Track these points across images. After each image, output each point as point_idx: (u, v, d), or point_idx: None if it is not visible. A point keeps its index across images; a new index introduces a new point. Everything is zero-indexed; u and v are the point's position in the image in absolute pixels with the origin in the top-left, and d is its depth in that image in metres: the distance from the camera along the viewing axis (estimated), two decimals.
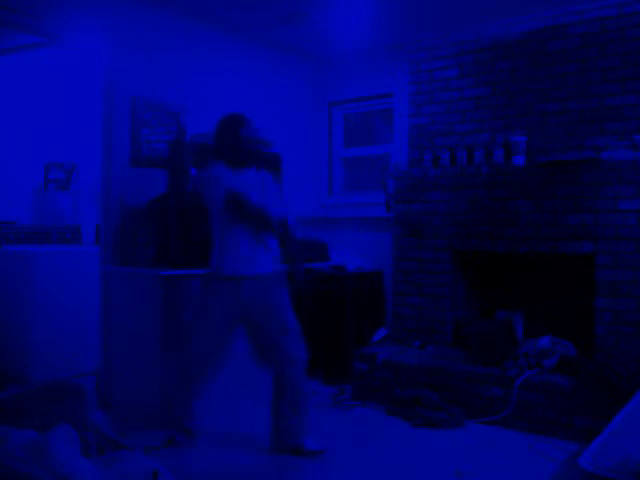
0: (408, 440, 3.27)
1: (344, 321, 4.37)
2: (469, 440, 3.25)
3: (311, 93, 5.22)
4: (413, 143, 4.50)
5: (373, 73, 4.92)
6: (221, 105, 4.36)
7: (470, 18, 4.10)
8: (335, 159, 5.32)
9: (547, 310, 3.97)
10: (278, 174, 3.67)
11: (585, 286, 3.61)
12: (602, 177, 3.51)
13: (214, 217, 3.01)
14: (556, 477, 2.74)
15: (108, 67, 3.75)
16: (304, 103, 5.15)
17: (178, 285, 3.44)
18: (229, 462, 2.98)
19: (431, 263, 4.19)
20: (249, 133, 3.04)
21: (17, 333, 4.17)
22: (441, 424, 3.39)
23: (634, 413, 2.21)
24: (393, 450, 3.13)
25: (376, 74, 4.89)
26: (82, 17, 3.57)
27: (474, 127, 4.22)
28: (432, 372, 3.70)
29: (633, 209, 3.41)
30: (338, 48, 4.72)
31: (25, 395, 2.17)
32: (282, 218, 3.02)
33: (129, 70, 3.80)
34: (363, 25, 4.17)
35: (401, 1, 3.84)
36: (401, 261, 4.33)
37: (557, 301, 3.90)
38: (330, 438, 3.27)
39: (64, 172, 5.34)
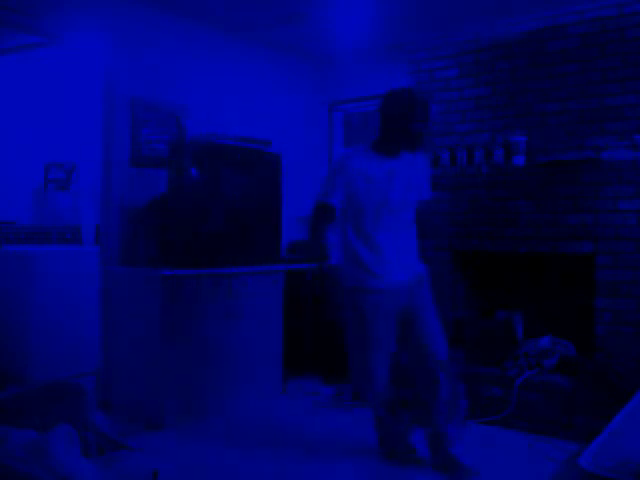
0: None
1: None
2: (469, 440, 3.24)
3: (311, 93, 5.21)
4: None
5: (373, 73, 4.91)
6: (221, 105, 4.37)
7: (470, 18, 4.10)
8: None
9: (547, 310, 3.96)
10: None
11: (585, 286, 3.61)
12: (602, 177, 3.50)
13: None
14: (556, 477, 2.73)
15: (108, 67, 3.75)
16: (304, 103, 5.15)
17: (178, 285, 3.44)
18: None
19: (431, 263, 4.18)
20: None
21: (17, 333, 4.16)
22: None
23: (634, 413, 2.21)
24: None
25: (376, 74, 4.89)
26: (82, 17, 3.57)
27: (474, 127, 4.22)
28: None
29: (633, 209, 3.41)
30: (338, 48, 4.71)
31: (25, 395, 2.17)
32: None
33: (129, 70, 3.80)
34: (363, 25, 4.16)
35: (401, 1, 3.84)
36: None
37: (557, 301, 3.90)
38: (330, 438, 3.27)
39: (64, 172, 5.34)
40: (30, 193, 5.42)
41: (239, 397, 3.78)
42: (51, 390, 2.20)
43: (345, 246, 2.76)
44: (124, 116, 3.78)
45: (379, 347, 2.70)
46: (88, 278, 4.06)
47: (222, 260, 3.67)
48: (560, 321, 3.82)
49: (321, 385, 4.20)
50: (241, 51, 4.57)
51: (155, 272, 3.42)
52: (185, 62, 4.13)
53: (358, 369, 2.79)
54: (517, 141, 3.88)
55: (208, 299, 3.61)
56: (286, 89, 4.95)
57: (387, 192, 2.67)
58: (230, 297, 3.72)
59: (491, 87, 4.15)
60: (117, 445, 2.04)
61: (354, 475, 2.87)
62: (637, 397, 2.43)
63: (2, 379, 3.91)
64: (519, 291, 4.12)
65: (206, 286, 3.59)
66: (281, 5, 3.91)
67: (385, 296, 2.69)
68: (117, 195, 3.75)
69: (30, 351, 4.09)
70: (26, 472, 1.62)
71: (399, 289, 2.71)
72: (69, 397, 2.14)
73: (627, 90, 3.64)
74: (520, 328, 3.91)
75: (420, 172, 2.85)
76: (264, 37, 4.59)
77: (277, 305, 4.02)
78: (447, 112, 4.33)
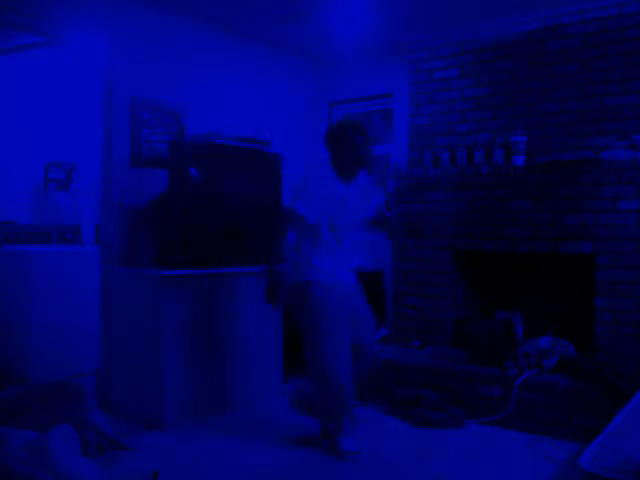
0: (408, 440, 3.27)
1: None
2: (469, 440, 3.25)
3: (311, 93, 5.22)
4: (413, 143, 4.50)
5: (373, 73, 4.92)
6: (221, 105, 4.37)
7: (470, 18, 4.10)
8: None
9: (547, 310, 3.97)
10: None
11: (585, 286, 3.61)
12: (602, 177, 3.50)
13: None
14: (556, 477, 2.74)
15: (108, 67, 3.75)
16: (304, 103, 5.15)
17: (178, 285, 3.44)
18: None
19: (431, 263, 4.19)
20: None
21: (17, 333, 4.17)
22: (441, 424, 3.39)
23: (634, 413, 2.21)
24: (393, 450, 3.13)
25: (376, 74, 4.89)
26: (82, 17, 3.57)
27: (474, 127, 4.22)
28: (432, 372, 3.70)
29: (633, 209, 3.41)
30: (338, 48, 4.71)
31: (25, 395, 2.17)
32: None
33: (129, 70, 3.80)
34: (363, 25, 4.16)
35: (401, 1, 3.84)
36: (401, 261, 4.33)
37: (557, 301, 3.90)
38: None
39: (64, 172, 5.34)
40: (30, 193, 5.42)
41: (239, 397, 3.78)
42: (51, 390, 2.20)
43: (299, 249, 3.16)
44: (124, 116, 3.78)
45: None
46: (88, 278, 4.06)
47: (222, 260, 3.67)
48: (560, 321, 3.82)
49: None
50: (241, 51, 4.57)
51: (155, 272, 3.43)
52: (185, 62, 4.13)
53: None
54: (517, 141, 3.88)
55: (208, 299, 3.61)
56: (286, 89, 4.95)
57: (340, 213, 3.16)
58: (230, 297, 3.72)
59: (491, 87, 4.15)
60: (117, 445, 2.04)
61: (355, 474, 2.87)
62: (637, 397, 2.44)
63: (3, 379, 3.91)
64: (519, 291, 4.12)
65: (206, 286, 3.59)
66: (281, 5, 3.92)
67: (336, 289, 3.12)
68: (117, 195, 3.75)
69: (30, 351, 4.09)
70: (26, 472, 1.62)
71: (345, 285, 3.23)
72: (69, 397, 2.14)
73: (627, 90, 3.64)
74: (520, 328, 3.91)
75: (368, 196, 3.32)
76: (264, 37, 4.59)
77: None
78: (447, 112, 4.34)
